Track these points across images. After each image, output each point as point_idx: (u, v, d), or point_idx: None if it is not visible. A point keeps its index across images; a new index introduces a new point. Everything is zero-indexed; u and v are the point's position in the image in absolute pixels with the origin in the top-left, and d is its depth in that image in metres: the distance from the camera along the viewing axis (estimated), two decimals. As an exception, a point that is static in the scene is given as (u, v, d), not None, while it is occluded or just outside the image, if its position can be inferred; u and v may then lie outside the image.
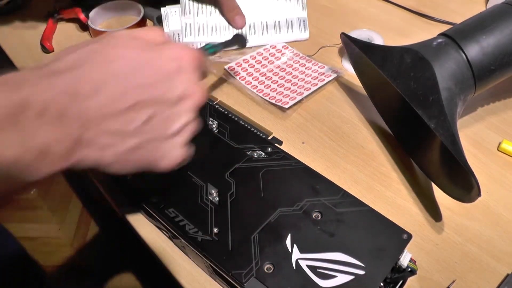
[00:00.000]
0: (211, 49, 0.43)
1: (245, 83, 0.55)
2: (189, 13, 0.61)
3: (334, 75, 0.55)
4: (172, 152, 0.31)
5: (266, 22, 0.62)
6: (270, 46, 0.60)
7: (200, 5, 0.61)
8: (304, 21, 0.62)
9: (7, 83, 0.24)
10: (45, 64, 0.27)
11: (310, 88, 0.53)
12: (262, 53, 0.59)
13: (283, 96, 0.52)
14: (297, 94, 0.52)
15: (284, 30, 0.62)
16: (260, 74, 0.56)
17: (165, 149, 0.30)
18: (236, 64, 0.57)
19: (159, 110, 0.28)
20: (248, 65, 0.57)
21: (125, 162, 0.28)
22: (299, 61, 0.58)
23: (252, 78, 0.55)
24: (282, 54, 0.59)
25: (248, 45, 0.57)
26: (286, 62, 0.57)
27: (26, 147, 0.24)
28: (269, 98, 0.52)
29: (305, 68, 0.56)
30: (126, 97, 0.27)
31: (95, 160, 0.27)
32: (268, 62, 0.58)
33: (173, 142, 0.30)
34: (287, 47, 0.60)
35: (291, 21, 0.62)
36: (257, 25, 0.61)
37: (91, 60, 0.27)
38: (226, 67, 0.57)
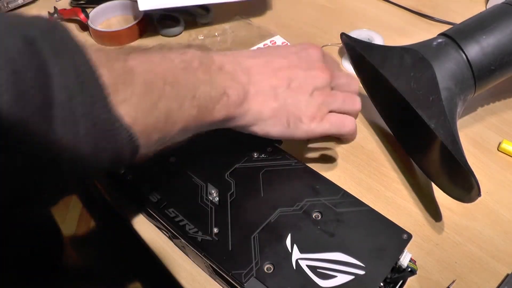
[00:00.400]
0: None
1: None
2: None
3: None
4: (311, 109, 0.36)
5: None
6: (270, 42, 0.60)
7: None
8: None
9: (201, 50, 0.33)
10: None
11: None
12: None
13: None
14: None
15: None
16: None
17: (306, 105, 0.36)
18: None
19: (296, 74, 0.36)
20: None
21: (278, 118, 0.36)
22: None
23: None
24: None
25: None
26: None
27: (213, 87, 0.32)
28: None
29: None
30: (273, 63, 0.36)
31: (257, 113, 0.35)
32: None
33: (312, 100, 0.37)
34: (287, 44, 0.60)
35: None
36: None
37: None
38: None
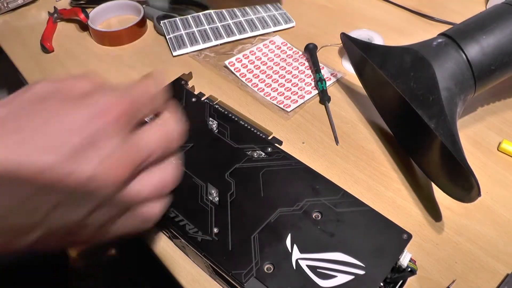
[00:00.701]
0: None
1: (245, 80, 0.55)
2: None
3: (333, 79, 0.55)
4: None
5: (251, 19, 0.64)
6: (270, 42, 0.60)
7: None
8: (285, 13, 0.65)
9: None
10: None
11: (311, 92, 0.53)
12: (262, 49, 0.59)
13: (284, 98, 0.53)
14: (298, 97, 0.52)
15: (271, 24, 0.63)
16: (260, 72, 0.56)
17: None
18: (236, 60, 0.57)
19: (63, 199, 0.23)
20: (248, 61, 0.57)
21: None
22: (298, 60, 0.58)
23: (253, 76, 0.55)
24: (281, 52, 0.59)
25: (240, 37, 0.61)
26: (285, 60, 0.58)
27: None
28: (270, 99, 0.53)
29: (305, 68, 0.56)
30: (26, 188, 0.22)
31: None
32: (267, 59, 0.58)
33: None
34: (286, 44, 0.60)
35: (274, 15, 0.65)
36: (244, 23, 0.63)
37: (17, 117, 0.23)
38: (226, 62, 0.57)
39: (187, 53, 0.60)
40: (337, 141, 0.47)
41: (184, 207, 0.37)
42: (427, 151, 0.43)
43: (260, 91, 0.54)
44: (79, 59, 0.61)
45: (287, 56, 0.58)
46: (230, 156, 0.40)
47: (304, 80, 0.55)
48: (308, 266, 0.32)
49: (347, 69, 0.57)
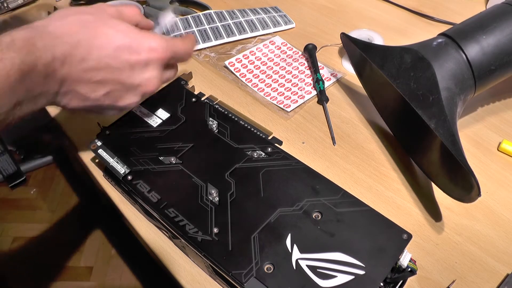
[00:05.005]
0: None
1: (245, 80, 0.55)
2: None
3: (333, 79, 0.55)
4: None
5: (251, 20, 0.64)
6: (270, 42, 0.60)
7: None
8: (285, 15, 0.66)
9: (18, 44, 0.30)
10: (47, 24, 0.33)
11: (311, 92, 0.53)
12: (262, 49, 0.59)
13: (284, 98, 0.53)
14: (298, 97, 0.52)
15: (270, 24, 0.63)
16: (260, 72, 0.56)
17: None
18: (236, 60, 0.57)
19: (116, 89, 0.36)
20: (248, 62, 0.57)
21: (79, 111, 0.37)
22: (298, 60, 0.58)
23: (253, 76, 0.55)
24: (281, 52, 0.59)
25: (240, 37, 0.61)
26: (285, 60, 0.58)
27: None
28: (270, 99, 0.53)
29: (305, 68, 0.56)
30: (98, 73, 0.34)
31: (63, 104, 0.35)
32: (267, 59, 0.58)
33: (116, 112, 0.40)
34: (286, 44, 0.60)
35: (274, 17, 0.65)
36: (244, 23, 0.63)
37: (84, 31, 0.34)
38: (226, 62, 0.57)
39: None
40: (334, 142, 0.47)
41: (184, 207, 0.37)
42: (427, 151, 0.43)
43: (260, 91, 0.54)
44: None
45: (287, 56, 0.58)
46: (230, 156, 0.40)
47: (304, 80, 0.55)
48: (308, 266, 0.32)
49: (347, 69, 0.57)
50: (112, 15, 0.37)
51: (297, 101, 0.52)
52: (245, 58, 0.58)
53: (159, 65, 0.37)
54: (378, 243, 0.34)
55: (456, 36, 0.42)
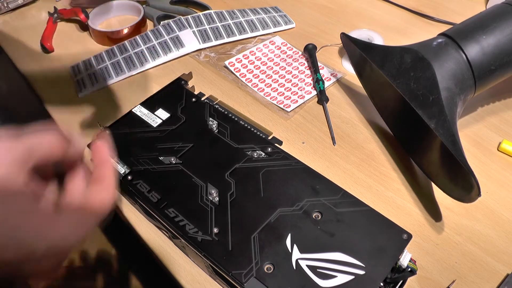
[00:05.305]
0: None
1: (245, 80, 0.55)
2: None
3: (333, 79, 0.55)
4: None
5: (251, 20, 0.64)
6: (270, 42, 0.60)
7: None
8: (285, 15, 0.66)
9: None
10: None
11: (311, 92, 0.53)
12: (262, 49, 0.59)
13: (284, 98, 0.53)
14: (298, 97, 0.52)
15: (271, 24, 0.64)
16: (260, 72, 0.56)
17: None
18: (236, 60, 0.57)
19: None
20: (248, 62, 0.57)
21: None
22: (298, 60, 0.58)
23: (253, 76, 0.55)
24: (281, 52, 0.59)
25: (240, 37, 0.62)
26: (285, 60, 0.58)
27: None
28: (270, 99, 0.53)
29: (305, 68, 0.56)
30: None
31: None
32: (267, 59, 0.58)
33: None
34: (286, 44, 0.60)
35: (274, 17, 0.65)
36: (244, 23, 0.63)
37: None
38: (226, 62, 0.57)
39: (187, 53, 0.60)
40: (334, 142, 0.47)
41: (184, 207, 0.37)
42: (427, 151, 0.43)
43: (260, 91, 0.54)
44: (79, 59, 0.61)
45: (287, 56, 0.58)
46: (230, 156, 0.40)
47: (304, 80, 0.55)
48: (308, 266, 0.32)
49: (347, 69, 0.57)
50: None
51: (297, 101, 0.52)
52: (245, 58, 0.58)
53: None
54: (378, 243, 0.34)
55: (456, 36, 0.42)
